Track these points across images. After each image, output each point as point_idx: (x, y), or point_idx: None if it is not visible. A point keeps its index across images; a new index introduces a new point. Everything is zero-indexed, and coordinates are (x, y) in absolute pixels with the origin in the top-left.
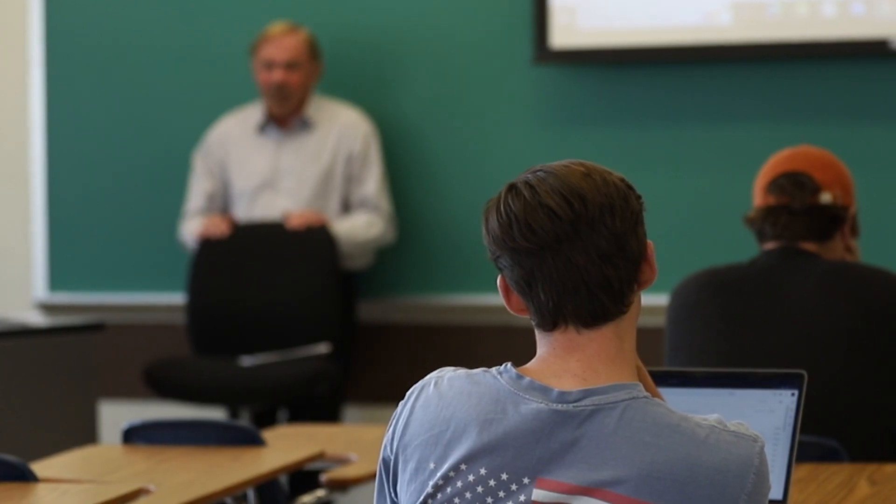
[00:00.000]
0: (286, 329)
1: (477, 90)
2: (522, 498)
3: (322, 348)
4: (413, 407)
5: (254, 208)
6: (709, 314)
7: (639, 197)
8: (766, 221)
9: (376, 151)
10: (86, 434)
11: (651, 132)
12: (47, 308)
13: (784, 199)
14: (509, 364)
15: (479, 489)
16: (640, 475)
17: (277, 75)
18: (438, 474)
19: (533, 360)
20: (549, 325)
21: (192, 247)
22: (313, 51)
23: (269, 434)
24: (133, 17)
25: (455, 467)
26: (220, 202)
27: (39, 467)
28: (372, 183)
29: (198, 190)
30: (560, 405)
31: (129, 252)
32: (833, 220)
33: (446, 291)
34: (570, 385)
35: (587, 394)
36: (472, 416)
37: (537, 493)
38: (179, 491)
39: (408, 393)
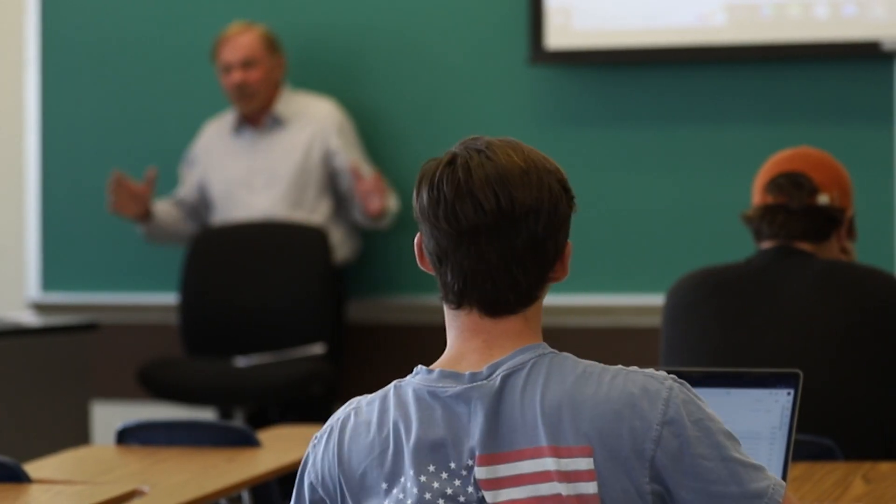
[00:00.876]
0: (280, 329)
1: (472, 91)
2: (473, 478)
3: (317, 349)
4: (339, 442)
5: (232, 209)
6: (704, 314)
7: (571, 199)
8: (764, 220)
9: (353, 137)
10: (79, 435)
11: (646, 133)
12: (40, 308)
13: (782, 198)
14: (419, 365)
15: (435, 485)
16: (553, 424)
17: (236, 76)
18: (394, 490)
19: (443, 355)
20: (454, 304)
21: (144, 236)
22: (270, 45)
23: (263, 435)
24: (128, 17)
25: (407, 477)
26: (190, 206)
27: (32, 468)
28: (364, 165)
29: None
30: (473, 384)
31: (122, 252)
32: (829, 222)
33: (436, 291)
34: (478, 364)
35: (495, 367)
36: (403, 425)
37: (479, 472)
38: (174, 492)
39: (319, 436)
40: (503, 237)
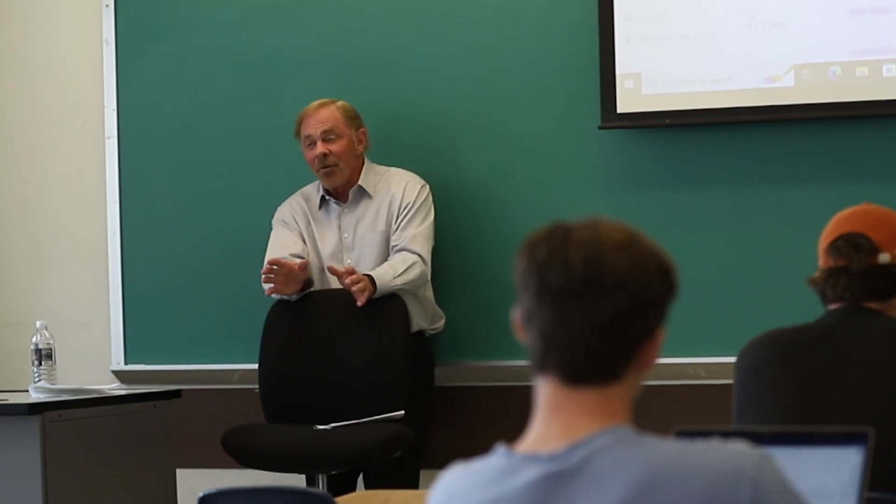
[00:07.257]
0: (360, 396)
1: (545, 157)
2: None
3: (398, 415)
4: None
5: (326, 284)
6: (774, 374)
7: (670, 287)
8: (827, 284)
9: (425, 205)
10: (164, 503)
11: (716, 194)
12: (124, 375)
13: (842, 261)
14: (499, 445)
15: None
16: None
17: (318, 148)
18: None
19: (526, 435)
20: (537, 369)
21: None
22: (350, 118)
23: (344, 500)
24: (204, 95)
25: None
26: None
27: None
28: (412, 230)
29: (279, 243)
30: (551, 467)
31: (203, 324)
32: (893, 280)
33: (517, 356)
34: (557, 446)
35: (574, 448)
36: None
37: None
38: None
39: None
40: (586, 305)
